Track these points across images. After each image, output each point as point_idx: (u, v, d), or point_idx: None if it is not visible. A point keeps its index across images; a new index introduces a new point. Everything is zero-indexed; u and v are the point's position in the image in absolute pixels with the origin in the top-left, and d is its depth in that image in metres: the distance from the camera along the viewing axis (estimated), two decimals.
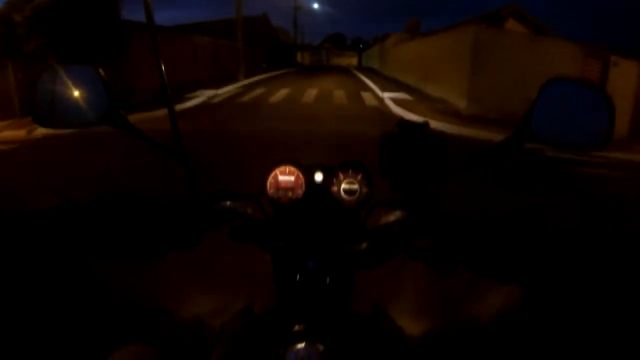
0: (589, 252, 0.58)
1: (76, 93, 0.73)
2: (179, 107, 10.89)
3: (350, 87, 18.75)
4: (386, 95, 14.68)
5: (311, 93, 15.79)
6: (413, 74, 19.24)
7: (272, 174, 0.84)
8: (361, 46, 75.44)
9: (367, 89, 18.44)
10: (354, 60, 66.73)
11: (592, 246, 0.58)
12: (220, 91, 15.24)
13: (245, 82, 19.49)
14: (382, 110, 11.79)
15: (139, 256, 0.67)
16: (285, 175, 0.84)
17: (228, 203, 0.76)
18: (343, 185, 0.84)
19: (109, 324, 1.90)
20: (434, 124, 9.76)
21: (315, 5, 52.60)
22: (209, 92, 14.37)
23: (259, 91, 16.11)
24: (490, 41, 11.40)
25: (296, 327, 0.65)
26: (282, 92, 15.76)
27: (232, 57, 20.65)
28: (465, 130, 8.91)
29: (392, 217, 0.75)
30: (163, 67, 0.81)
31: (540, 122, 0.68)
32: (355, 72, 34.31)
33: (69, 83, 0.73)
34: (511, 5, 15.72)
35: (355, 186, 0.83)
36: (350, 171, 0.84)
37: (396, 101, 13.08)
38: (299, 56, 61.79)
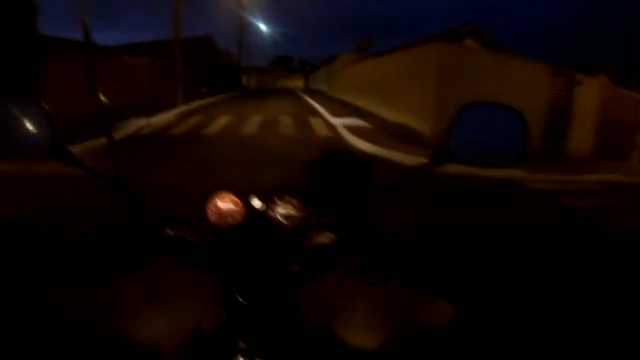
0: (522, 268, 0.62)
1: (21, 127, 0.77)
2: (99, 142, 8.94)
3: (298, 113, 17.28)
4: (339, 122, 13.24)
5: (254, 121, 14.14)
6: (366, 97, 18.02)
7: (212, 201, 0.84)
8: (307, 68, 74.42)
9: (317, 114, 16.99)
10: (300, 83, 65.79)
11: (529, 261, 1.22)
12: (153, 120, 13.33)
13: (184, 108, 17.52)
14: (336, 142, 10.29)
15: (83, 283, 0.69)
16: (224, 202, 0.84)
17: (170, 230, 0.79)
18: (280, 210, 0.85)
19: (57, 351, 1.91)
20: (401, 157, 8.35)
21: (262, 26, 50.82)
22: (140, 122, 12.43)
23: (196, 119, 14.31)
24: (457, 60, 10.23)
25: (240, 344, 0.72)
26: (222, 121, 14.01)
27: (171, 81, 18.75)
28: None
29: (324, 238, 0.81)
30: (101, 96, 0.90)
31: (458, 143, 0.76)
32: (303, 95, 33.07)
33: (12, 117, 0.77)
34: (470, 23, 14.75)
35: (292, 210, 0.85)
36: (286, 196, 0.85)
37: (351, 129, 11.61)
38: (244, 79, 60.28)
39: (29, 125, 0.77)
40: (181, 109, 17.17)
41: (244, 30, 47.00)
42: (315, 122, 14.11)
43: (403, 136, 10.34)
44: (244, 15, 46.04)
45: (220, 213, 0.84)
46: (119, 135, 10.29)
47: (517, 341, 0.53)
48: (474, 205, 5.51)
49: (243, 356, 0.70)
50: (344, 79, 25.54)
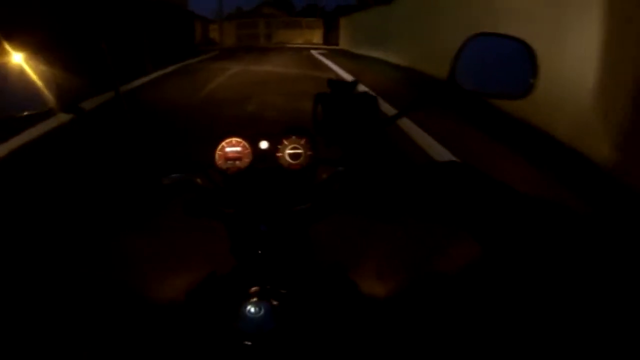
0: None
1: (24, 84, 0.74)
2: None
3: None
4: None
5: None
6: None
7: (220, 147, 0.86)
8: (320, 10, 44.95)
9: None
10: (316, 37, 37.22)
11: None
12: None
13: None
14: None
15: (97, 232, 1.01)
16: (232, 146, 0.86)
17: (178, 175, 0.80)
18: (287, 151, 0.86)
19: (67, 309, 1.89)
20: None
21: None
22: None
23: None
24: None
25: (252, 289, 0.71)
26: None
27: None
28: None
29: (333, 172, 0.82)
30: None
31: (465, 75, 0.74)
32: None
33: (14, 74, 0.74)
34: None
35: (300, 150, 0.86)
36: (294, 137, 0.87)
37: None
38: (214, 32, 33.13)
39: (26, 81, 0.74)
40: None
41: None
42: None
43: None
44: None
45: (228, 157, 0.85)
46: None
47: (538, 272, 0.50)
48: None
49: (255, 300, 0.69)
50: None
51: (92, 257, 2.40)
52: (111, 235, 2.24)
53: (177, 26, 18.54)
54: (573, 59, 4.54)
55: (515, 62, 0.74)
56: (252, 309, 0.67)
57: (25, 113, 0.75)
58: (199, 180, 0.80)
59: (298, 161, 0.86)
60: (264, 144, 0.86)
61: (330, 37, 33.96)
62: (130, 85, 9.37)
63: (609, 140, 3.92)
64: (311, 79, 10.52)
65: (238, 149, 0.85)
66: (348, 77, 11.31)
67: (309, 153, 0.86)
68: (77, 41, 9.16)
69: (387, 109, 4.99)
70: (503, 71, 0.74)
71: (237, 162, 0.85)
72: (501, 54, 0.74)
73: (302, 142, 0.86)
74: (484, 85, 0.74)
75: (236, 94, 8.34)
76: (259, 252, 0.77)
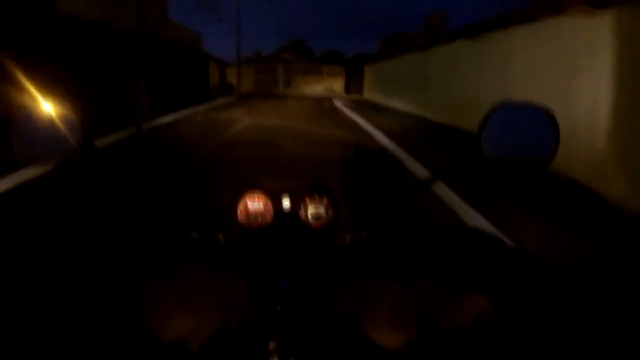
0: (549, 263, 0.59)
1: (51, 130, 0.74)
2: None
3: None
4: None
5: None
6: None
7: (242, 202, 0.84)
8: (341, 58, 43.14)
9: None
10: (336, 84, 36.15)
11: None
12: None
13: None
14: None
15: (114, 286, 0.67)
16: (254, 202, 0.83)
17: (201, 232, 0.78)
18: (310, 210, 0.84)
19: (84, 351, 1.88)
20: None
21: None
22: None
23: None
24: None
25: (270, 345, 0.68)
26: None
27: None
28: None
29: (356, 237, 0.79)
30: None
31: (489, 144, 0.74)
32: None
33: (43, 120, 0.74)
34: None
35: (322, 210, 0.84)
36: (317, 196, 0.85)
37: None
38: (231, 75, 31.52)
39: (56, 128, 0.74)
40: None
41: None
42: None
43: None
44: None
45: (250, 213, 0.82)
46: None
47: (552, 330, 0.57)
48: None
49: (274, 357, 0.66)
50: None
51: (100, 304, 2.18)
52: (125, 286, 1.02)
53: (186, 68, 16.69)
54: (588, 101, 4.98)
55: (538, 130, 0.75)
56: None
57: (50, 161, 0.77)
58: (220, 236, 0.77)
59: (320, 221, 0.82)
60: (286, 201, 0.83)
61: (351, 85, 32.41)
62: (107, 138, 7.16)
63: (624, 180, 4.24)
64: (345, 147, 8.03)
65: (260, 205, 0.82)
66: (394, 147, 9.10)
67: (331, 213, 0.83)
68: (98, 78, 9.43)
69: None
70: (527, 139, 0.75)
71: (259, 218, 0.82)
72: (524, 122, 0.75)
73: (324, 201, 0.83)
74: (509, 153, 0.75)
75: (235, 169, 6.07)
76: (278, 309, 0.74)
